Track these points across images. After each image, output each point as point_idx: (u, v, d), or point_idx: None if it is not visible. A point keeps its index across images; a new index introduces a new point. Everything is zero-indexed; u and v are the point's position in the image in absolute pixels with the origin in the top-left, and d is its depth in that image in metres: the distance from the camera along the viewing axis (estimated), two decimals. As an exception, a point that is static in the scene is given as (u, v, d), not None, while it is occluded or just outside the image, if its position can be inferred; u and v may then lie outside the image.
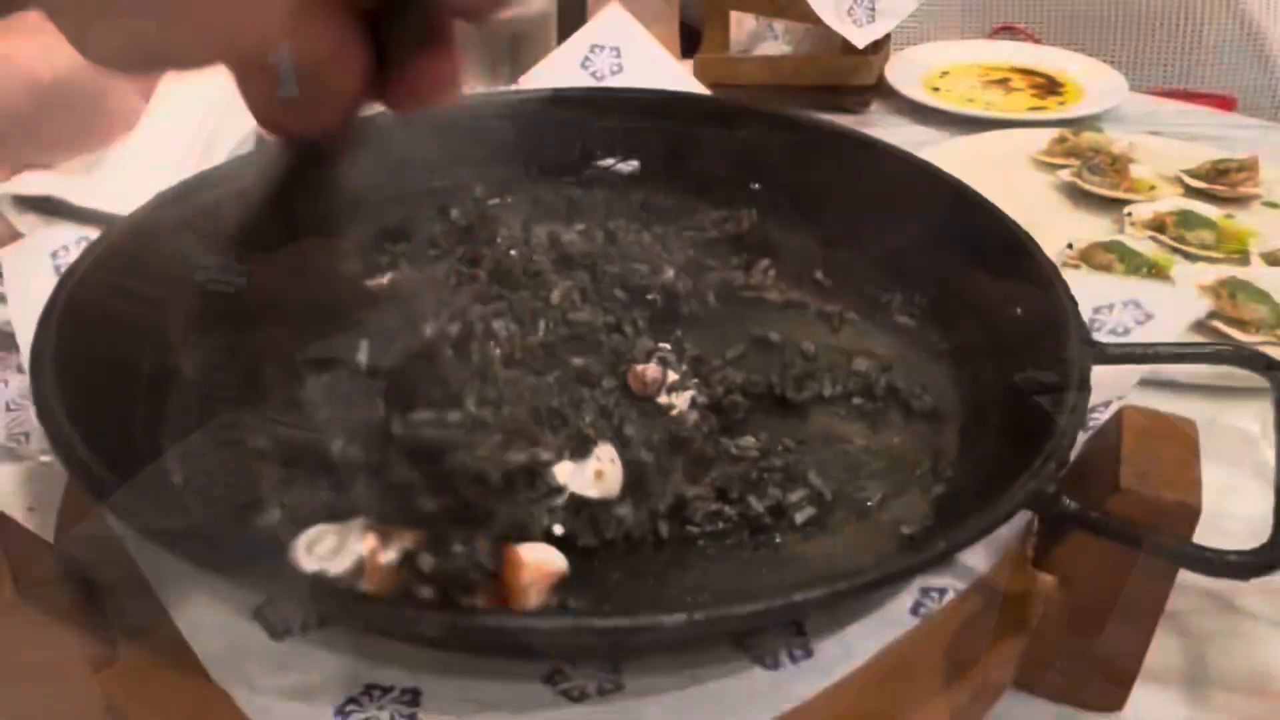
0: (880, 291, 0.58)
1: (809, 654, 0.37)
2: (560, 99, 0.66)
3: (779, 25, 1.04)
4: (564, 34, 0.76)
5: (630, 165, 0.66)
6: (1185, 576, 0.39)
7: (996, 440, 0.47)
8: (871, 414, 0.50)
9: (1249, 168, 0.82)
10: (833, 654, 0.37)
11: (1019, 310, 0.50)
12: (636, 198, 0.64)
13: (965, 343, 0.53)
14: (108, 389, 0.44)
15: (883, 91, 1.01)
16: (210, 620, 0.38)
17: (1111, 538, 0.38)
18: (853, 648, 0.38)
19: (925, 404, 0.51)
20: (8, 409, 0.51)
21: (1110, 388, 0.45)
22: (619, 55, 0.71)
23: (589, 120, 0.65)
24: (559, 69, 0.70)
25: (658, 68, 0.71)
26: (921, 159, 0.60)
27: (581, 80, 0.70)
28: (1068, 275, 0.50)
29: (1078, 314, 0.47)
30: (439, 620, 0.34)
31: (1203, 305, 0.55)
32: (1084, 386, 0.43)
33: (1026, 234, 0.53)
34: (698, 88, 0.74)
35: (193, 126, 0.66)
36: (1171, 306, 0.54)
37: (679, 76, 0.72)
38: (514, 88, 0.71)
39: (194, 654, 0.36)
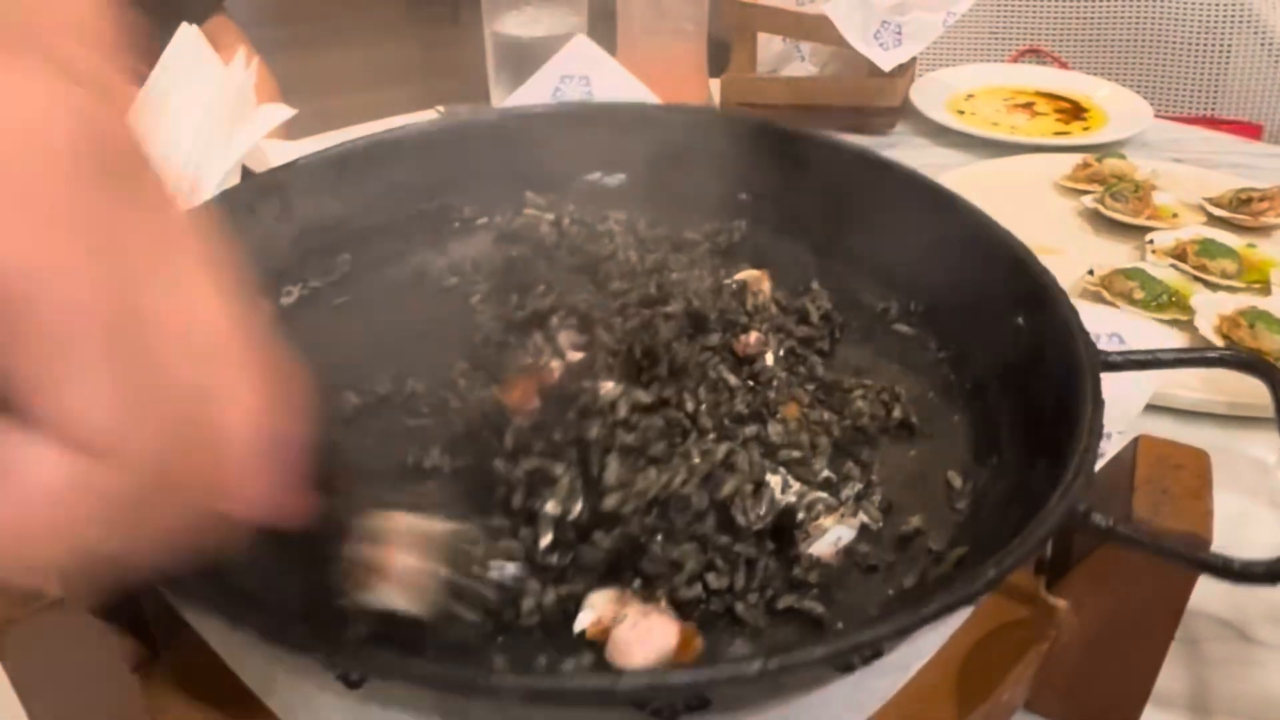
0: (877, 301, 0.59)
1: (878, 653, 0.38)
2: (545, 114, 0.66)
3: (806, 47, 1.05)
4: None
5: (617, 179, 0.66)
6: (1198, 603, 0.40)
7: (1010, 452, 0.47)
8: (884, 431, 0.51)
9: (1272, 197, 0.82)
10: (902, 651, 0.38)
11: (1020, 320, 0.50)
12: (624, 211, 0.64)
13: (966, 351, 0.54)
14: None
15: (908, 114, 1.02)
16: (301, 702, 0.37)
17: (1145, 550, 0.38)
18: (918, 641, 0.39)
19: (933, 417, 0.51)
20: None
21: (1113, 420, 0.45)
22: (589, 84, 0.73)
23: (575, 134, 0.65)
24: (532, 101, 0.71)
25: (627, 94, 0.72)
26: (909, 167, 0.60)
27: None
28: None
29: (1080, 323, 0.47)
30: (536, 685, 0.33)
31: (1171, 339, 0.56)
32: (1098, 395, 0.43)
33: (1022, 244, 0.52)
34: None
35: (178, 163, 0.66)
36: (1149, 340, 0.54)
37: (649, 100, 0.72)
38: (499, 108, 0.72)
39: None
